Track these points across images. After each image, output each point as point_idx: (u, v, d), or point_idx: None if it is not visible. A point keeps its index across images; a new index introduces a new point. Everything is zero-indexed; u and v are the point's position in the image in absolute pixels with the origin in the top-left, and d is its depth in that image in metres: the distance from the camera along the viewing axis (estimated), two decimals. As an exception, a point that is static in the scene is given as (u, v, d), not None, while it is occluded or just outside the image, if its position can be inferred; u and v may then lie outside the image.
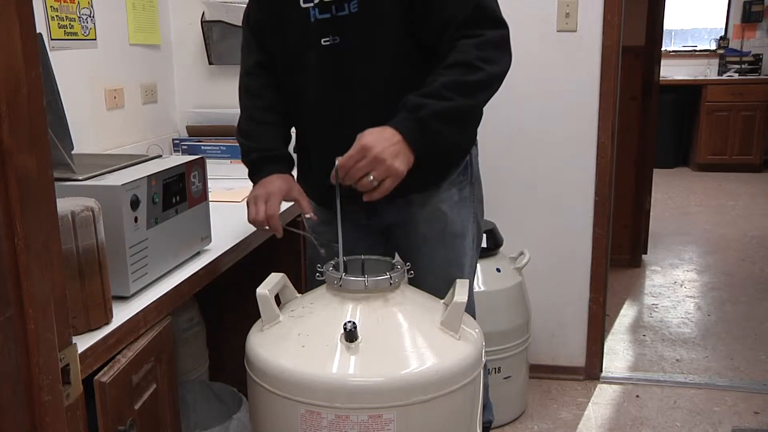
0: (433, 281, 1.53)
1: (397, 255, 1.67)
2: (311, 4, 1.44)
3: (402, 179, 1.33)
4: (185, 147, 2.48)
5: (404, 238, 1.60)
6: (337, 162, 1.31)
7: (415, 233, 1.57)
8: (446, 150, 1.46)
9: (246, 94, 1.63)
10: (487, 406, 1.83)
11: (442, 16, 1.38)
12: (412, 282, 1.56)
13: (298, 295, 1.45)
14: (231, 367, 1.73)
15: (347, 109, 1.48)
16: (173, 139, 2.56)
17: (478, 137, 1.64)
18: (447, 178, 1.57)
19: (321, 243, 1.52)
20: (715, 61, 7.21)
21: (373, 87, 1.45)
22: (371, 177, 1.30)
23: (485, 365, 1.76)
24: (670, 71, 6.90)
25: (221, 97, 2.68)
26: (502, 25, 1.41)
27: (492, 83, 1.39)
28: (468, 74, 1.34)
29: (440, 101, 1.33)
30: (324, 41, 1.44)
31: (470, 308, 1.65)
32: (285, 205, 1.58)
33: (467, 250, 1.61)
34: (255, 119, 1.60)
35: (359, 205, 1.40)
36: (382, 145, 1.29)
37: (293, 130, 1.67)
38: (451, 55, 1.36)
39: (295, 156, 1.67)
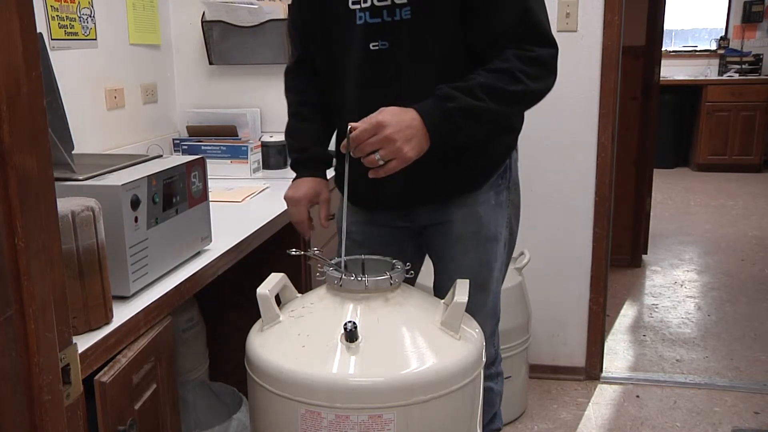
0: None
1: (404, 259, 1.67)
2: (359, 7, 1.42)
3: (439, 183, 1.35)
4: (185, 147, 2.48)
5: (438, 238, 1.58)
6: (349, 130, 1.30)
7: (450, 233, 1.56)
8: (459, 146, 1.44)
9: (288, 90, 1.67)
10: (497, 414, 1.83)
11: (494, 29, 1.37)
12: (439, 282, 1.59)
13: (298, 295, 1.45)
14: (231, 367, 1.73)
15: (388, 76, 1.45)
16: (173, 139, 2.56)
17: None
18: (487, 181, 1.55)
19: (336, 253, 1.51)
20: (716, 62, 7.22)
21: (419, 90, 1.40)
22: (377, 156, 1.29)
23: (502, 373, 1.77)
24: (671, 71, 6.90)
25: (221, 97, 2.68)
26: (552, 45, 1.40)
27: (528, 98, 1.40)
28: (507, 83, 1.34)
29: (471, 99, 1.32)
30: (372, 45, 1.43)
31: (495, 313, 1.65)
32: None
33: (498, 254, 1.59)
34: (295, 116, 1.64)
35: (398, 212, 1.49)
36: (398, 126, 1.29)
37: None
38: (496, 62, 1.36)
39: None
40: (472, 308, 1.51)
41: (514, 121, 1.57)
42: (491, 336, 1.65)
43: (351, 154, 1.33)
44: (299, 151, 1.62)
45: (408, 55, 1.42)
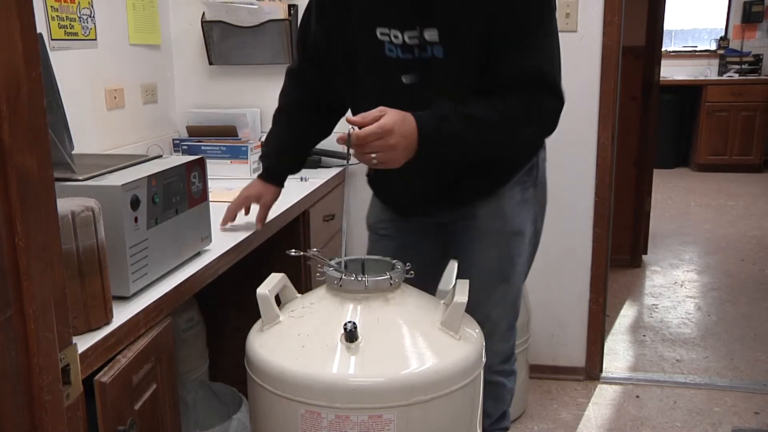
0: (485, 277, 1.57)
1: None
2: (388, 39, 1.45)
3: (468, 187, 1.46)
4: (185, 147, 2.48)
5: (462, 232, 1.61)
6: (351, 128, 1.33)
7: (474, 228, 1.59)
8: (436, 164, 1.47)
9: (281, 93, 1.74)
10: (507, 414, 1.84)
11: (510, 75, 1.41)
12: (462, 276, 1.60)
13: (298, 295, 1.45)
14: (231, 367, 1.73)
15: (417, 105, 1.48)
16: (173, 139, 2.56)
17: None
18: (512, 177, 1.59)
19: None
20: (716, 62, 7.21)
21: None
22: (374, 158, 1.33)
23: (515, 372, 1.83)
24: (671, 71, 6.90)
25: (221, 97, 2.68)
26: (560, 100, 1.44)
27: (521, 143, 1.51)
28: (510, 125, 1.41)
29: (470, 127, 1.38)
30: (404, 78, 1.47)
31: (515, 308, 1.69)
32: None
33: (522, 250, 1.62)
34: (274, 123, 1.75)
35: (430, 217, 1.64)
36: (401, 136, 1.33)
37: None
38: (508, 98, 1.40)
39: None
40: (493, 300, 1.60)
41: (528, 142, 1.60)
42: (508, 330, 1.70)
43: (349, 151, 1.35)
44: (264, 158, 1.75)
45: (438, 88, 1.46)
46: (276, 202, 1.75)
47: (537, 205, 1.64)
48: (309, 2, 1.62)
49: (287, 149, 1.74)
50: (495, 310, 1.61)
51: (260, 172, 1.74)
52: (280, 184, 1.74)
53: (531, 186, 1.62)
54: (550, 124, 1.46)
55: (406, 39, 1.43)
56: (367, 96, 1.51)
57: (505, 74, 1.41)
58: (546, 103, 1.43)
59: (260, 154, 1.76)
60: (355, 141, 1.32)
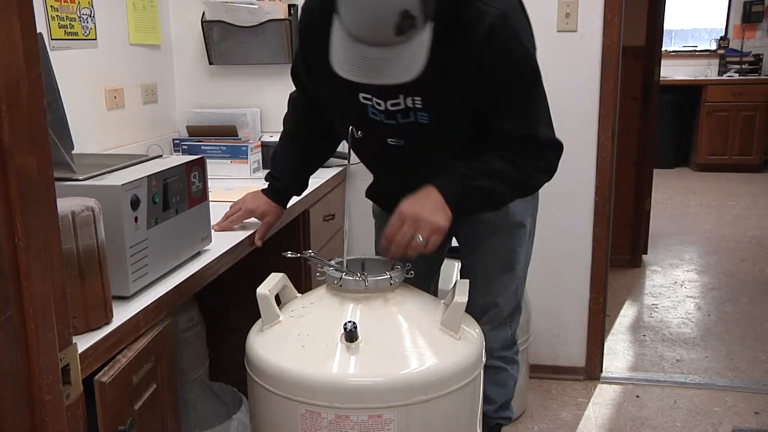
0: (489, 266, 1.66)
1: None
2: (370, 104, 1.47)
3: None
4: (185, 147, 2.48)
5: (467, 226, 1.65)
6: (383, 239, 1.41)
7: (478, 220, 1.63)
8: (466, 214, 1.53)
9: (285, 119, 1.77)
10: (509, 404, 1.90)
11: (503, 134, 1.45)
12: (468, 265, 1.71)
13: (298, 295, 1.45)
14: (231, 367, 1.73)
15: (406, 161, 1.55)
16: (173, 139, 2.56)
17: None
18: None
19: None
20: (716, 62, 7.21)
21: (434, 167, 1.47)
22: (419, 238, 1.36)
23: (518, 363, 1.88)
24: (671, 71, 6.90)
25: (221, 97, 2.68)
26: (556, 147, 1.50)
27: (528, 189, 1.56)
28: (517, 173, 1.45)
29: (487, 180, 1.42)
30: (390, 141, 1.50)
31: (517, 296, 1.74)
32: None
33: (524, 240, 1.69)
34: (281, 144, 1.78)
35: None
36: (420, 205, 1.38)
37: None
38: (513, 148, 1.44)
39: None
40: (499, 288, 1.67)
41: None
42: (509, 317, 1.75)
43: (389, 255, 1.41)
44: (272, 177, 1.74)
45: (425, 149, 1.50)
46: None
47: (535, 198, 1.72)
48: (299, 39, 1.61)
49: (295, 170, 1.75)
50: (500, 297, 1.68)
51: (265, 188, 1.73)
52: (285, 205, 1.75)
53: None
54: (553, 170, 1.52)
55: (389, 106, 1.45)
56: (361, 146, 1.59)
57: (501, 134, 1.45)
58: (546, 154, 1.49)
59: (268, 173, 1.77)
60: (385, 244, 1.40)
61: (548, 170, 1.51)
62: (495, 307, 1.67)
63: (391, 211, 1.44)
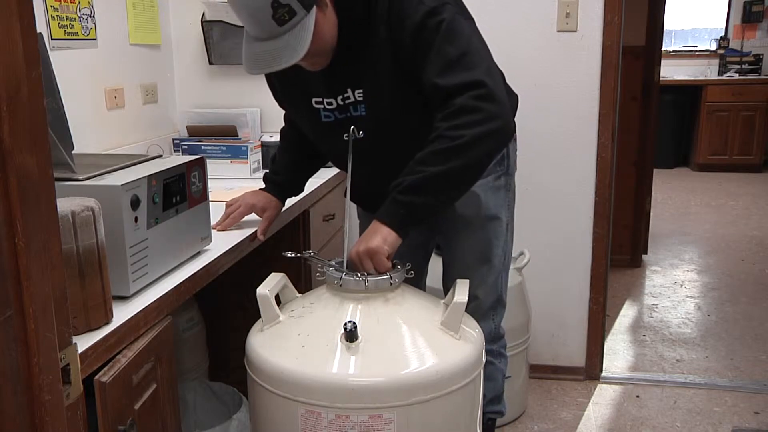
0: (466, 259, 1.71)
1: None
2: (322, 107, 1.55)
3: None
4: (185, 147, 2.48)
5: (444, 222, 1.70)
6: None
7: (453, 215, 1.67)
8: (427, 216, 1.46)
9: (283, 128, 1.86)
10: (501, 398, 1.91)
11: (427, 87, 1.43)
12: (448, 260, 1.75)
13: (298, 295, 1.45)
14: (231, 367, 1.73)
15: (373, 163, 1.55)
16: (173, 139, 2.56)
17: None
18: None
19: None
20: (716, 62, 7.21)
21: (397, 157, 1.46)
22: (372, 269, 1.37)
23: (505, 356, 1.89)
24: (671, 71, 6.90)
25: (221, 97, 2.68)
26: (475, 86, 1.38)
27: (469, 145, 1.37)
28: (438, 144, 1.38)
29: (411, 176, 1.38)
30: (345, 136, 1.52)
31: (497, 289, 1.76)
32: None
33: (500, 233, 1.73)
34: (280, 149, 1.85)
35: None
36: (368, 240, 1.37)
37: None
38: (445, 113, 1.40)
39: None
40: (476, 280, 1.68)
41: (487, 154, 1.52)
42: (491, 309, 1.78)
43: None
44: (273, 173, 1.79)
45: (380, 140, 1.52)
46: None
47: (510, 192, 1.76)
48: None
49: (293, 169, 1.81)
50: (479, 289, 1.71)
51: (265, 186, 1.77)
52: (284, 200, 1.78)
53: (503, 174, 1.73)
54: (481, 111, 1.38)
55: (339, 101, 1.52)
56: (328, 153, 1.71)
57: (426, 88, 1.43)
58: (460, 102, 1.37)
59: (268, 170, 1.81)
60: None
61: (487, 118, 1.36)
62: (475, 299, 1.68)
63: (372, 210, 1.46)
